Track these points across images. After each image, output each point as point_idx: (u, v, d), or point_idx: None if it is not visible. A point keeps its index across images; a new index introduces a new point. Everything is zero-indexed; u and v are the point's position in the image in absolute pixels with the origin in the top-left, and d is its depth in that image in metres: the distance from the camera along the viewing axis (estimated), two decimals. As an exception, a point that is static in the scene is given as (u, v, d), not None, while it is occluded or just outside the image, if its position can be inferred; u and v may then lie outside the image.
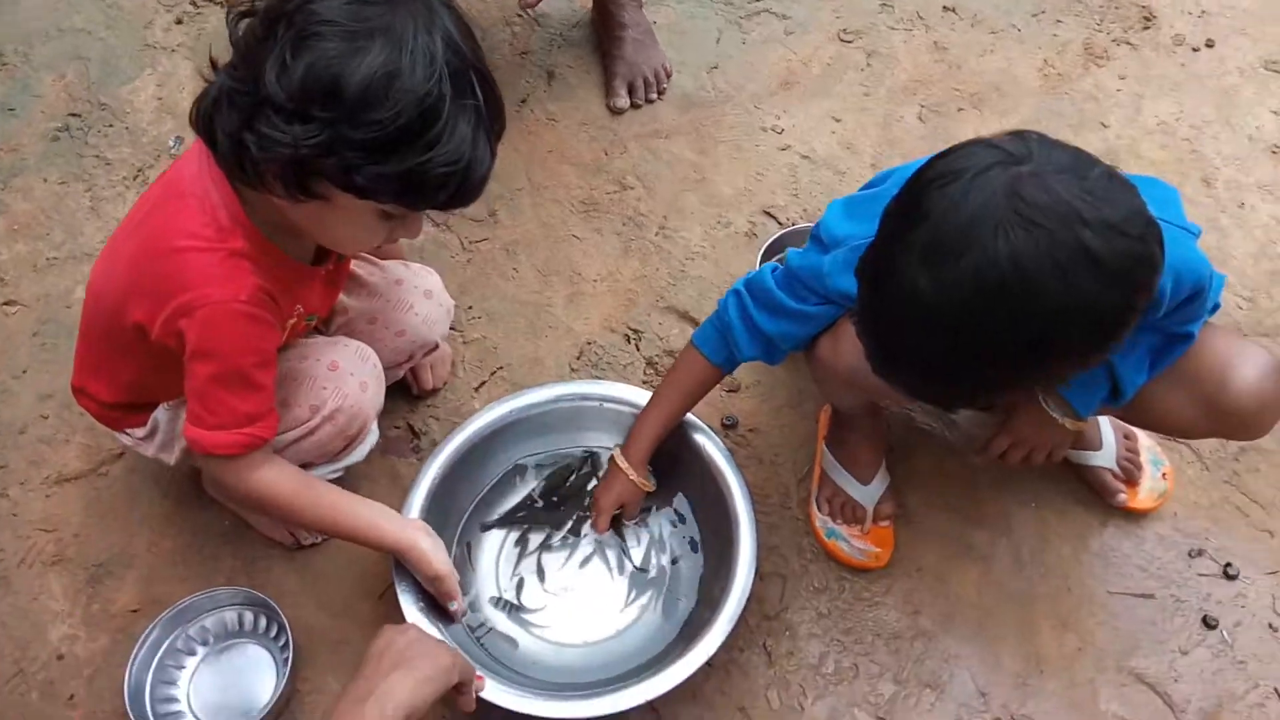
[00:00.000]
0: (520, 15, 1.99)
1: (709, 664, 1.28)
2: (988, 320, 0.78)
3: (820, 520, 1.37)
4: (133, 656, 1.22)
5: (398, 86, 0.88)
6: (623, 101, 1.84)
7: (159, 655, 1.25)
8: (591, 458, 1.41)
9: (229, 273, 1.01)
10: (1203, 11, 2.05)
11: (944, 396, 0.90)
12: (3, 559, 1.36)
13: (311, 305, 1.17)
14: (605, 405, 1.39)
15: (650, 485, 1.33)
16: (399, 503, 1.28)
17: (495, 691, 1.14)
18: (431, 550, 1.18)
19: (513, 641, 1.28)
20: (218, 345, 1.03)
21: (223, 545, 1.37)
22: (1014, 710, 1.26)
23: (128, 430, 1.24)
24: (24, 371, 1.52)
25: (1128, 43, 1.99)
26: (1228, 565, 1.37)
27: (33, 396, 1.49)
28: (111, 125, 1.81)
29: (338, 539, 1.28)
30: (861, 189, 1.22)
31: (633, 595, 1.32)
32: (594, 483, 1.39)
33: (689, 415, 1.34)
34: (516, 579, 1.33)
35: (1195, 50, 1.99)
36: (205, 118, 0.95)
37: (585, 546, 1.36)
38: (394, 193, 0.95)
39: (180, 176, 1.04)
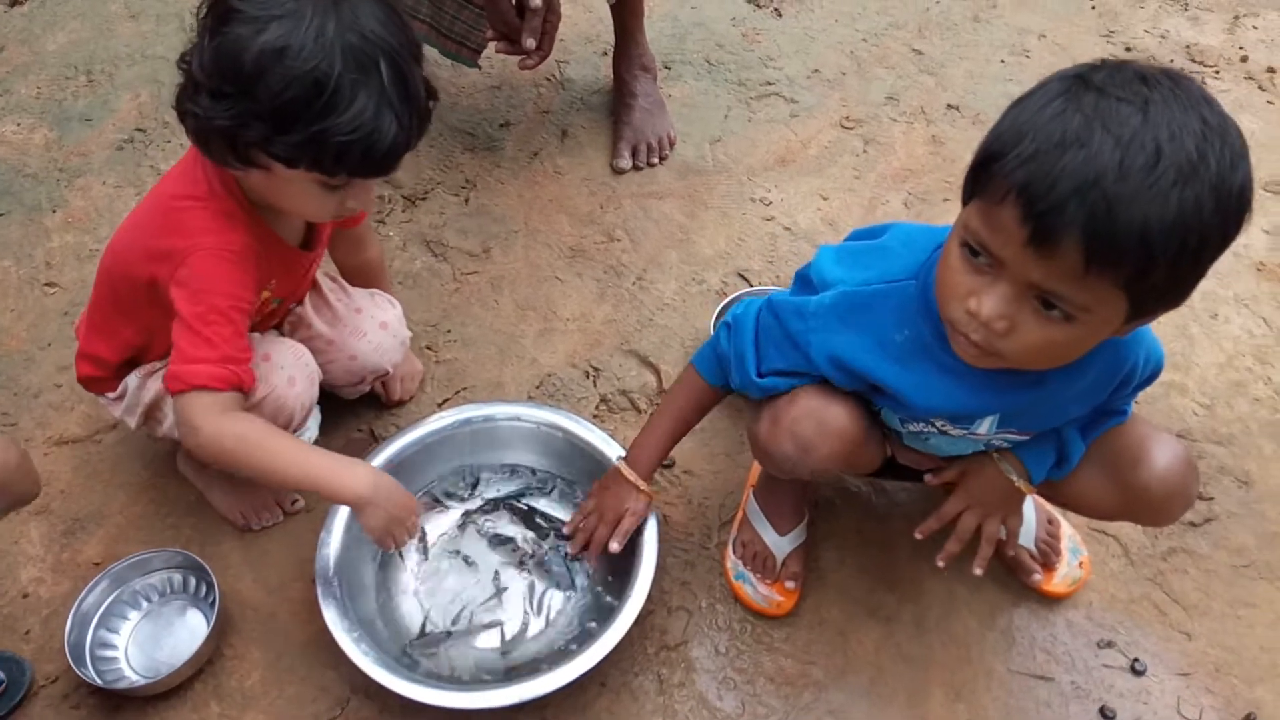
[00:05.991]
0: (549, 79, 2.16)
1: (602, 684, 1.35)
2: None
3: (732, 562, 1.43)
4: (78, 601, 1.34)
5: (287, 62, 1.01)
6: (624, 163, 1.97)
7: (105, 604, 1.37)
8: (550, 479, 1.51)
9: (222, 225, 1.16)
10: (1210, 130, 2.09)
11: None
12: (-5, 504, 1.51)
13: (283, 288, 1.30)
14: (540, 428, 1.49)
15: (655, 495, 1.36)
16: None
17: (389, 679, 1.22)
18: (391, 491, 1.25)
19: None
20: (203, 284, 1.15)
21: (184, 516, 1.50)
22: (890, 769, 1.29)
23: (106, 394, 1.38)
24: (49, 344, 1.70)
25: (1126, 153, 2.04)
26: (1135, 660, 1.37)
27: (52, 367, 1.67)
28: (169, 141, 2.03)
29: (305, 490, 1.39)
30: (848, 239, 1.27)
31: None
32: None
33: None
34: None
35: (1196, 166, 2.03)
36: (177, 102, 1.11)
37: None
38: (309, 160, 1.06)
39: (185, 156, 1.21)
